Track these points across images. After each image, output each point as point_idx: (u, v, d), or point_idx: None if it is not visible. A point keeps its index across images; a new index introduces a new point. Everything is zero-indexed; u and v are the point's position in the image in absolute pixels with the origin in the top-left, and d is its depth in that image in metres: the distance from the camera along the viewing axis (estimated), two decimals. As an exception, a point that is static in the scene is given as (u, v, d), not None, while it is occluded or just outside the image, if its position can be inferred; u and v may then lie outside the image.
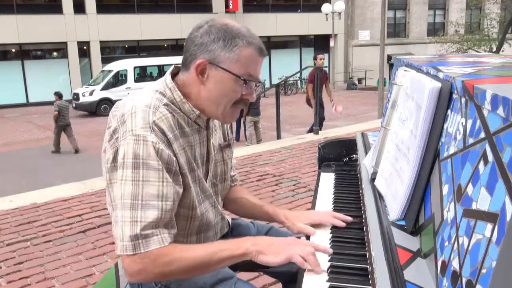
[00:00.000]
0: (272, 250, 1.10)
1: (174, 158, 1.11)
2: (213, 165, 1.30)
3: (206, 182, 1.27)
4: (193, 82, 1.17)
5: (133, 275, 1.07)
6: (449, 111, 1.01)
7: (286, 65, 23.71)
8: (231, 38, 1.12)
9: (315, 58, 8.51)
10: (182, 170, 1.14)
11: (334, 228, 1.31)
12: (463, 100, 0.92)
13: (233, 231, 1.48)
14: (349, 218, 1.33)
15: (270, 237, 1.18)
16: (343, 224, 1.32)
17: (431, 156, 1.04)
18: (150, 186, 1.06)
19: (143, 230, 1.04)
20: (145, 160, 1.06)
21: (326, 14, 21.44)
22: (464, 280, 0.72)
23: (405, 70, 1.37)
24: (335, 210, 1.45)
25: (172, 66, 1.24)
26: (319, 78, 7.96)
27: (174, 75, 1.22)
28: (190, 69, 1.16)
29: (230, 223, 1.47)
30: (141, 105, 1.11)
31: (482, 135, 0.78)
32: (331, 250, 1.15)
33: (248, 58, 1.14)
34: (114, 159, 1.10)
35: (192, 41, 1.15)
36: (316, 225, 1.35)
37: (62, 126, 10.35)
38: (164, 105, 1.14)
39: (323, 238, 1.26)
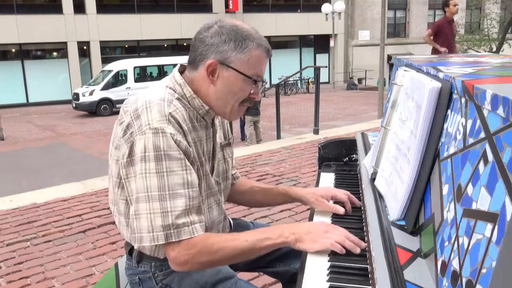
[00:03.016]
0: (309, 238, 1.12)
1: (190, 149, 1.14)
2: (216, 163, 1.32)
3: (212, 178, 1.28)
4: (202, 81, 1.19)
5: (180, 265, 1.11)
6: (449, 111, 1.01)
7: (286, 65, 23.69)
8: (242, 40, 1.15)
9: (446, 5, 6.65)
10: (196, 162, 1.17)
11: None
12: (463, 100, 0.92)
13: (233, 232, 1.48)
14: (358, 203, 1.42)
15: (307, 224, 1.19)
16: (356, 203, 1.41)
17: (431, 156, 1.04)
18: (175, 176, 1.08)
19: (176, 219, 1.07)
20: (167, 152, 1.08)
21: (326, 14, 21.49)
22: (464, 280, 0.72)
23: (405, 70, 1.37)
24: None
25: (178, 64, 1.26)
26: (447, 33, 6.48)
27: (180, 73, 1.24)
28: (199, 68, 1.18)
29: (232, 224, 1.47)
30: (155, 99, 1.14)
31: (482, 135, 0.78)
32: (364, 244, 1.13)
33: (257, 59, 1.18)
34: (130, 153, 1.11)
35: (202, 41, 1.17)
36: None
37: None
38: (176, 99, 1.17)
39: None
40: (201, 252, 1.09)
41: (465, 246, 0.74)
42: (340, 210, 1.37)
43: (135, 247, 1.24)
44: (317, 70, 6.81)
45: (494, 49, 20.55)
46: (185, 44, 22.29)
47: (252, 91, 1.21)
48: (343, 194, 1.42)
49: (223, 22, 1.18)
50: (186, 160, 1.11)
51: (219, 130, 1.37)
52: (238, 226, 1.51)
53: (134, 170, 1.11)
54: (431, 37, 6.76)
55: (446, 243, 0.83)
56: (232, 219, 1.51)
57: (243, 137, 10.50)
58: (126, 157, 1.12)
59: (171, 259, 1.11)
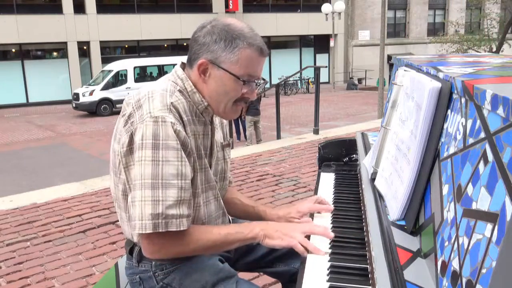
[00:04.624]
0: (277, 235, 1.18)
1: (188, 140, 1.15)
2: (214, 162, 1.32)
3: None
4: (196, 79, 1.22)
5: (153, 253, 1.15)
6: (449, 111, 1.01)
7: (286, 65, 23.70)
8: (231, 40, 1.16)
9: None
10: (192, 153, 1.18)
11: (334, 227, 1.31)
12: (463, 100, 0.92)
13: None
14: (331, 208, 1.40)
15: (277, 223, 1.25)
16: (329, 208, 1.39)
17: (431, 156, 1.04)
18: (169, 165, 1.09)
19: (167, 210, 1.09)
20: (165, 141, 1.09)
21: (326, 14, 21.47)
22: (464, 280, 0.72)
23: (405, 70, 1.37)
24: (335, 210, 1.45)
25: (180, 62, 1.29)
26: None
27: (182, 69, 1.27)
28: (194, 67, 1.21)
29: (231, 221, 1.47)
30: (157, 89, 1.17)
31: (482, 135, 0.78)
32: (332, 234, 1.19)
33: (248, 59, 1.18)
34: (130, 142, 1.12)
35: (196, 41, 1.20)
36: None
37: None
38: (178, 91, 1.19)
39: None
40: (176, 242, 1.13)
41: (465, 246, 0.74)
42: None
43: (134, 240, 1.24)
44: (317, 70, 6.81)
45: (494, 49, 20.54)
46: (185, 44, 22.28)
47: (245, 91, 1.21)
48: (312, 206, 1.39)
49: (216, 22, 1.20)
50: (183, 152, 1.12)
51: (219, 129, 1.37)
52: (239, 226, 1.51)
53: (133, 158, 1.12)
54: None
55: (446, 243, 0.83)
56: (233, 218, 1.51)
57: (238, 138, 10.51)
58: (126, 146, 1.13)
59: (144, 246, 1.14)
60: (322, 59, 26.07)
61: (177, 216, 1.10)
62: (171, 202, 1.09)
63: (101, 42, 21.12)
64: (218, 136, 1.36)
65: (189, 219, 1.14)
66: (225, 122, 1.44)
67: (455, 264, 0.77)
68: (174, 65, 1.32)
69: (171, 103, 1.14)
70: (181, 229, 1.11)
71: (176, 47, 22.88)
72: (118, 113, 1.24)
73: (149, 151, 1.08)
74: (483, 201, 0.72)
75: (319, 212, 1.42)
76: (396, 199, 1.13)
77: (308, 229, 1.20)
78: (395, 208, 1.12)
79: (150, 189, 1.08)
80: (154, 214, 1.07)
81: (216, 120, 1.35)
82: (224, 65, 1.17)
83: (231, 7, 23.11)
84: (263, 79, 1.28)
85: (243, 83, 1.20)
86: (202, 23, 1.22)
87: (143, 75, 18.38)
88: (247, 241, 1.20)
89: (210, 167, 1.30)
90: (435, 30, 27.61)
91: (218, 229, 1.19)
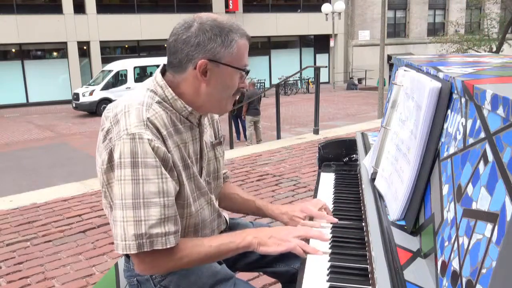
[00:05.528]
0: (272, 242, 1.16)
1: (169, 155, 1.12)
2: (206, 163, 1.30)
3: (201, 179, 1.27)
4: (191, 82, 1.17)
5: (145, 271, 1.13)
6: (449, 111, 1.01)
7: (286, 65, 23.71)
8: (226, 34, 1.15)
9: None
10: (176, 167, 1.15)
11: (334, 228, 1.31)
12: (463, 100, 0.92)
13: (231, 230, 1.47)
14: (335, 220, 1.34)
15: (270, 229, 1.22)
16: (333, 220, 1.34)
17: (431, 156, 1.04)
18: (150, 184, 1.06)
19: (150, 229, 1.06)
20: (143, 159, 1.06)
21: (326, 14, 21.50)
22: (464, 280, 0.72)
23: (405, 70, 1.37)
24: (335, 210, 1.45)
25: (161, 65, 1.25)
26: None
27: (162, 74, 1.23)
28: (188, 70, 1.16)
29: (228, 220, 1.47)
30: (134, 103, 1.12)
31: (482, 135, 0.78)
32: (327, 237, 1.20)
33: (242, 49, 1.18)
34: (110, 159, 1.09)
35: (186, 42, 1.15)
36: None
37: None
38: (156, 102, 1.15)
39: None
40: (168, 258, 1.10)
41: (465, 246, 0.74)
42: (315, 227, 1.30)
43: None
44: (317, 70, 6.80)
45: (494, 49, 20.55)
46: (185, 44, 22.24)
47: (240, 81, 1.21)
48: (316, 212, 1.36)
49: (201, 19, 1.17)
50: (163, 168, 1.09)
51: (209, 129, 1.35)
52: (238, 226, 1.50)
53: (113, 176, 1.09)
54: None
55: (446, 243, 0.83)
56: (232, 219, 1.51)
57: (238, 138, 10.50)
58: (106, 163, 1.10)
59: (136, 264, 1.11)
60: (322, 59, 26.06)
61: (162, 234, 1.07)
62: (154, 221, 1.06)
63: (101, 42, 21.11)
64: (208, 136, 1.33)
65: (176, 235, 1.11)
66: (216, 117, 1.41)
67: (455, 264, 0.77)
68: (163, 64, 1.29)
69: (148, 118, 1.09)
70: (168, 246, 1.08)
71: (176, 47, 22.84)
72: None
73: (128, 170, 1.05)
74: (483, 201, 0.72)
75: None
76: (396, 199, 1.13)
77: (303, 232, 1.18)
78: (395, 208, 1.12)
79: (131, 209, 1.05)
80: (137, 234, 1.05)
81: (205, 119, 1.32)
82: (225, 60, 1.15)
83: (231, 7, 23.11)
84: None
85: (246, 73, 1.20)
86: (182, 23, 1.18)
87: (143, 75, 18.36)
88: (240, 250, 1.17)
89: (202, 170, 1.28)
90: (435, 30, 27.61)
91: (209, 241, 1.16)
